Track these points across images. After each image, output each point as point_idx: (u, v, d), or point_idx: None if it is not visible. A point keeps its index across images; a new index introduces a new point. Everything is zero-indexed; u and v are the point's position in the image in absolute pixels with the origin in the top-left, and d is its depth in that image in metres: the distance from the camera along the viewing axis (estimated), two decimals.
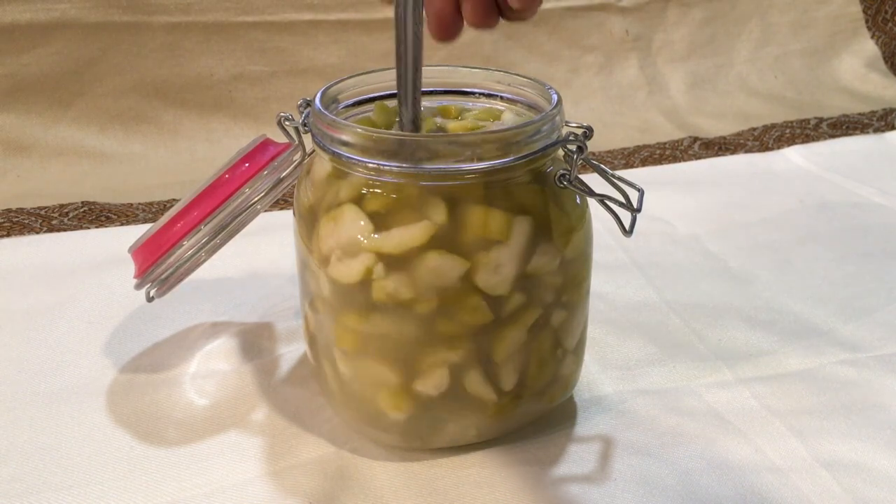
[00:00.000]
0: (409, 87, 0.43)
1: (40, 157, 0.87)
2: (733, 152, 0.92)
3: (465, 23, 0.41)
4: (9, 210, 0.77)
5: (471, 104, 0.50)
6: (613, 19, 1.09)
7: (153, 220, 0.75)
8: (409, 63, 0.42)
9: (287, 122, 0.48)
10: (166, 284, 0.50)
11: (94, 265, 0.66)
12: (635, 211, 0.43)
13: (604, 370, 0.54)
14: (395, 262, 0.41)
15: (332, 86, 0.47)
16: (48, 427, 0.49)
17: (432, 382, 0.43)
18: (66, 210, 0.77)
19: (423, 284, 0.41)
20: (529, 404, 0.46)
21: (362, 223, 0.41)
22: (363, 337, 0.43)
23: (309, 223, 0.44)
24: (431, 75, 0.48)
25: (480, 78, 0.50)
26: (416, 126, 0.44)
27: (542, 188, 0.43)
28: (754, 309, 0.61)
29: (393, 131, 0.45)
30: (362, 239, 0.41)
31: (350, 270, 0.42)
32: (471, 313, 0.42)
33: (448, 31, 0.41)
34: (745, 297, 0.62)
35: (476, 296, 0.41)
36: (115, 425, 0.49)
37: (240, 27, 0.94)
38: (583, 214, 0.45)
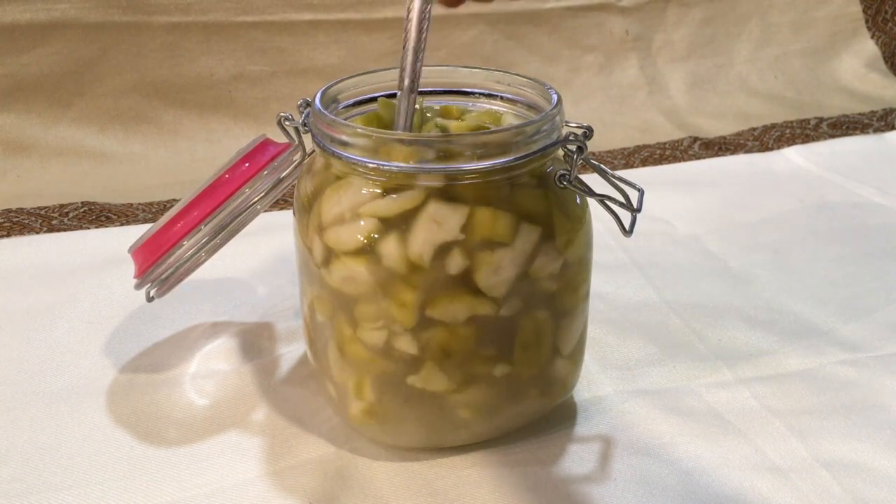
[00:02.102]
0: (410, 62, 0.42)
1: (40, 157, 0.87)
2: (733, 152, 0.92)
3: None
4: (9, 210, 0.77)
5: (471, 104, 0.49)
6: (613, 19, 1.09)
7: (153, 220, 0.75)
8: (411, 40, 0.42)
9: (287, 122, 0.48)
10: (166, 284, 0.50)
11: (94, 265, 0.66)
12: (635, 211, 0.43)
13: (604, 370, 0.54)
14: (392, 227, 0.41)
15: (332, 86, 0.47)
16: (48, 427, 0.49)
17: (426, 381, 0.43)
18: (66, 210, 0.77)
19: (421, 250, 0.40)
20: (525, 404, 0.46)
21: (364, 192, 0.41)
22: (361, 333, 0.43)
23: (309, 217, 0.44)
24: (431, 75, 0.48)
25: (480, 78, 0.49)
26: (409, 116, 0.43)
27: (542, 189, 0.43)
28: (754, 309, 0.61)
29: (393, 132, 0.45)
30: (362, 210, 0.41)
31: (349, 237, 0.41)
32: (468, 311, 0.42)
33: None
34: (745, 297, 0.62)
35: (473, 296, 0.41)
36: (115, 425, 0.49)
37: (240, 27, 0.94)
38: (583, 215, 0.45)
